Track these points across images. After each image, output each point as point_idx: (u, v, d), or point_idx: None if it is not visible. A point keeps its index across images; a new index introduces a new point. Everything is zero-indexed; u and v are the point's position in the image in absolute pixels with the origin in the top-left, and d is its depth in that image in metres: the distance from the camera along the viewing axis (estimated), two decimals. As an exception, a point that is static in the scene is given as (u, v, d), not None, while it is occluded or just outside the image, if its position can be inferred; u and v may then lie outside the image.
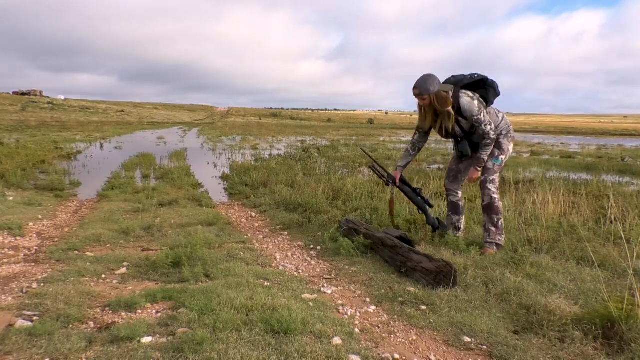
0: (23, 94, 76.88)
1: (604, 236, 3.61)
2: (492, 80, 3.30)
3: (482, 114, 3.15)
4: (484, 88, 3.29)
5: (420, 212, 3.61)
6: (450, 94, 3.15)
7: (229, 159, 11.29)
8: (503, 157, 3.28)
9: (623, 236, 3.10)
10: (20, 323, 2.03)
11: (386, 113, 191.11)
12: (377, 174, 3.62)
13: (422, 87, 3.13)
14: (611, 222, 3.96)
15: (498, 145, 3.27)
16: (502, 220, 3.27)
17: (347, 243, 3.30)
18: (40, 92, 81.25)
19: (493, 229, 3.25)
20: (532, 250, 3.26)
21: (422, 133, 3.50)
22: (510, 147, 3.31)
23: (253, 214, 5.06)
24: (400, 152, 13.68)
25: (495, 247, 3.23)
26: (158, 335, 1.97)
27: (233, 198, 6.19)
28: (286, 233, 4.15)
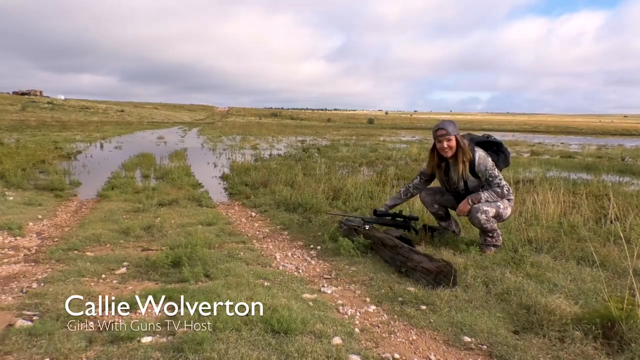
0: (23, 93, 76.95)
1: (604, 236, 3.61)
2: (506, 147, 3.36)
3: (495, 170, 3.18)
4: (496, 153, 3.33)
5: (407, 231, 3.63)
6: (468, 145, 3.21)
7: (229, 158, 11.29)
8: (502, 207, 3.20)
9: (622, 236, 3.10)
10: (20, 323, 2.03)
11: (386, 113, 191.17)
12: (353, 225, 3.60)
13: (449, 128, 3.17)
14: (611, 222, 3.96)
15: (502, 200, 3.25)
16: (497, 231, 3.26)
17: (347, 243, 3.30)
18: (40, 92, 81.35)
19: (489, 239, 3.26)
20: (532, 250, 3.26)
21: (423, 180, 3.53)
22: (509, 210, 3.26)
23: (253, 214, 5.06)
24: (400, 152, 13.67)
25: (493, 248, 3.24)
26: (158, 335, 1.97)
27: (233, 198, 6.19)
28: (286, 233, 4.15)
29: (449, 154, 3.20)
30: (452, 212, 3.61)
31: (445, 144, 3.18)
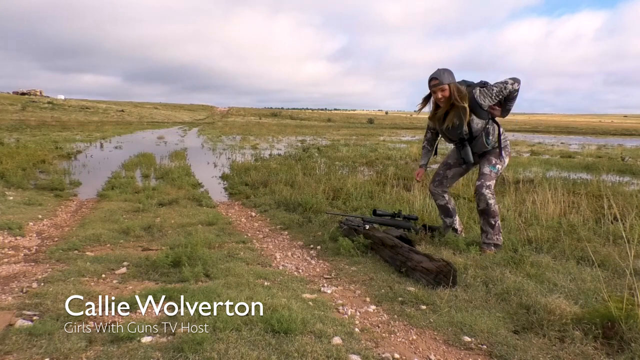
0: (23, 93, 77.02)
1: (604, 236, 3.61)
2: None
3: (494, 87, 3.09)
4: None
5: (407, 231, 3.60)
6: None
7: (228, 158, 11.30)
8: (500, 166, 3.25)
9: (624, 235, 3.10)
10: (20, 323, 2.03)
11: (386, 113, 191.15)
12: (353, 226, 3.60)
13: (442, 77, 3.06)
14: (611, 222, 3.96)
15: (498, 155, 3.26)
16: (499, 222, 3.25)
17: (347, 243, 3.30)
18: (40, 91, 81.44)
19: (490, 230, 3.24)
20: (532, 250, 3.26)
21: (434, 133, 3.52)
22: (506, 160, 3.29)
23: (253, 214, 5.06)
24: (400, 152, 13.68)
25: (493, 248, 3.22)
26: (158, 335, 1.97)
27: (233, 198, 6.19)
28: (286, 233, 4.16)
29: (445, 104, 3.13)
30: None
31: (439, 94, 3.09)
